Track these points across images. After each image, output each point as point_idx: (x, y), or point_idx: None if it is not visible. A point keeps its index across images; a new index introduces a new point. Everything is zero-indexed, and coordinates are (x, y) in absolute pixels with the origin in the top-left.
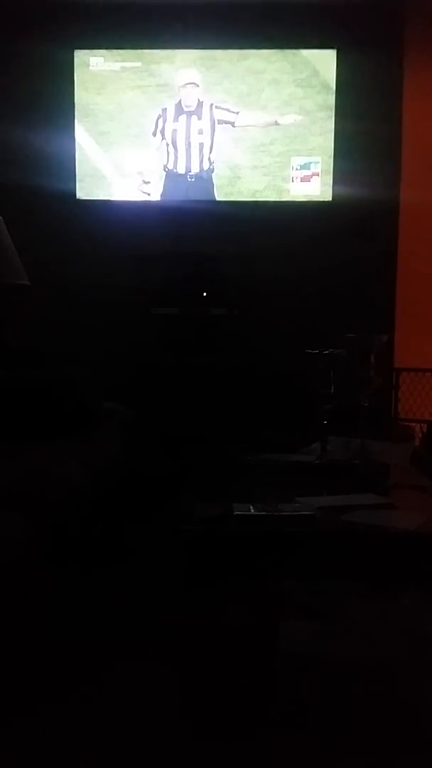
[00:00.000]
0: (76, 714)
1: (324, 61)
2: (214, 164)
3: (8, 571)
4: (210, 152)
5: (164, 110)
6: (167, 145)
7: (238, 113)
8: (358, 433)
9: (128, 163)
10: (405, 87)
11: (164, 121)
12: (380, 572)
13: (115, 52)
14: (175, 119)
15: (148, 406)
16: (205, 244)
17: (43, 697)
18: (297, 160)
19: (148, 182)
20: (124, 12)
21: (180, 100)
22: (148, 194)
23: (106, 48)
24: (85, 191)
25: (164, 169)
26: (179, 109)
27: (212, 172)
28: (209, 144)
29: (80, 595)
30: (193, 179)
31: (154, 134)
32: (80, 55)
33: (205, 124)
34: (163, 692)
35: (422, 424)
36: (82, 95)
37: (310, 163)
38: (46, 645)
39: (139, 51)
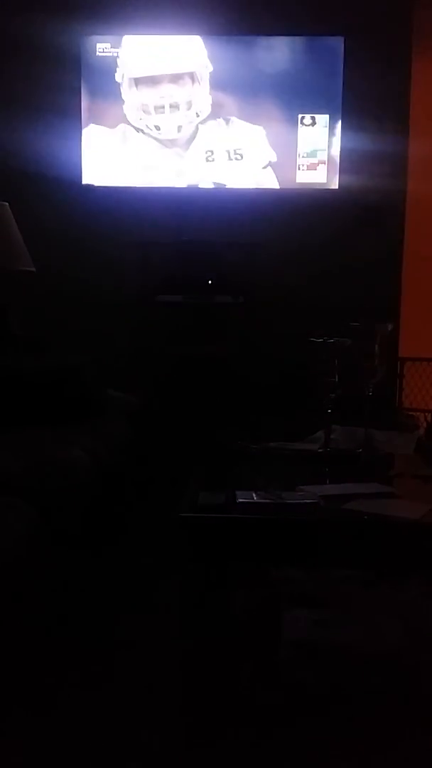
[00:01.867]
0: (78, 700)
1: (331, 49)
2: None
3: (12, 558)
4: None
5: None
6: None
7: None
8: (362, 422)
9: (134, 149)
10: (413, 74)
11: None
12: (383, 561)
13: (121, 38)
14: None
15: (152, 394)
16: (211, 231)
17: (45, 684)
18: (303, 148)
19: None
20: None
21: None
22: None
23: (113, 34)
24: (90, 177)
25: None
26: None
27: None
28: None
29: (83, 582)
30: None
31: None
32: (87, 41)
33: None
34: (166, 680)
35: (427, 414)
36: (88, 81)
37: (317, 150)
38: (49, 631)
39: (145, 37)
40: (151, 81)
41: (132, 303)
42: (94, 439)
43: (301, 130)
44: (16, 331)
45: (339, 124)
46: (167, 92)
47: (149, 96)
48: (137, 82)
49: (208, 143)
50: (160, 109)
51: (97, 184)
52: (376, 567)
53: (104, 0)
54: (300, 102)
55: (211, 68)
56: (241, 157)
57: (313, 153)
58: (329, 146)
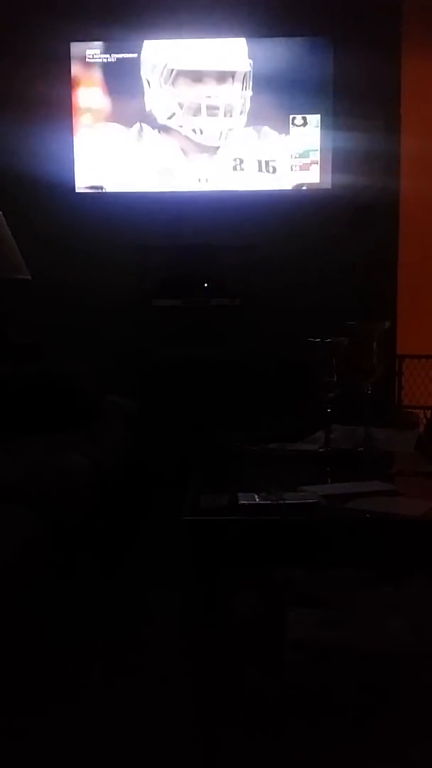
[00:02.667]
0: (84, 701)
1: (321, 48)
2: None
3: (11, 563)
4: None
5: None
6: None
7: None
8: (362, 421)
9: (127, 154)
10: (403, 73)
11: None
12: (386, 560)
13: (111, 43)
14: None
15: (150, 399)
16: (206, 234)
17: (48, 688)
18: (295, 148)
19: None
20: (119, 3)
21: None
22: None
23: (103, 39)
24: (84, 183)
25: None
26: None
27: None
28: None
29: (86, 588)
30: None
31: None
32: (77, 47)
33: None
34: (171, 681)
35: (426, 411)
36: (79, 86)
37: (309, 151)
38: (51, 637)
39: (135, 42)
40: (196, 77)
41: (129, 307)
42: (93, 444)
43: (293, 130)
44: (14, 338)
45: (330, 124)
46: (213, 92)
47: (194, 95)
48: (175, 76)
49: (237, 150)
50: (213, 110)
51: (90, 190)
52: (379, 565)
53: (95, 5)
54: (291, 102)
55: (250, 68)
56: (274, 171)
57: (305, 153)
58: (321, 146)
